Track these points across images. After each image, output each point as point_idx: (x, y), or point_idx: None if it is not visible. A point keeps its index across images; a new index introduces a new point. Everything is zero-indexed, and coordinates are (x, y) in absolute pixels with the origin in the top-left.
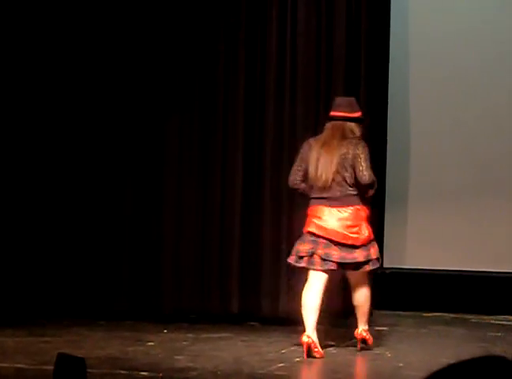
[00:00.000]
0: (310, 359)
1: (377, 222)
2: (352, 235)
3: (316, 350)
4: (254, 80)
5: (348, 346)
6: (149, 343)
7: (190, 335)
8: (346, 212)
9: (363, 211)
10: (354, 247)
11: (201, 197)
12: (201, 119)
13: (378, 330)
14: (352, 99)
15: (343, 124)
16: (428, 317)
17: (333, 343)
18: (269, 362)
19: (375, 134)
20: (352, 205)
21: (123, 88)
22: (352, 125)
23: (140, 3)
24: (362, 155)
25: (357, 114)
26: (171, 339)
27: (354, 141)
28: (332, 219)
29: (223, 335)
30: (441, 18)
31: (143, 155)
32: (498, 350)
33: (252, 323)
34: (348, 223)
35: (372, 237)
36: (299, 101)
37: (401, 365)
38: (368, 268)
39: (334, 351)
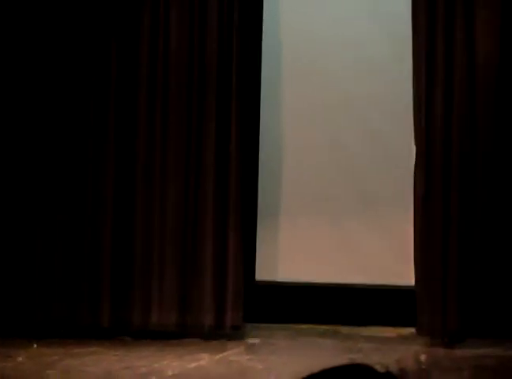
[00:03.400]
0: (181, 373)
1: (249, 234)
2: None
3: None
4: (125, 89)
5: (220, 358)
6: (19, 359)
7: (60, 349)
8: None
9: None
10: None
11: (72, 203)
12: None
13: (251, 343)
14: None
15: None
16: (300, 329)
17: (205, 356)
18: (142, 376)
19: (247, 145)
20: None
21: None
22: None
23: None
24: None
25: None
26: (41, 354)
27: None
28: None
29: (94, 349)
30: (313, 25)
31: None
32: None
33: (123, 337)
34: None
35: None
36: (172, 116)
37: (273, 377)
38: None
39: (207, 364)
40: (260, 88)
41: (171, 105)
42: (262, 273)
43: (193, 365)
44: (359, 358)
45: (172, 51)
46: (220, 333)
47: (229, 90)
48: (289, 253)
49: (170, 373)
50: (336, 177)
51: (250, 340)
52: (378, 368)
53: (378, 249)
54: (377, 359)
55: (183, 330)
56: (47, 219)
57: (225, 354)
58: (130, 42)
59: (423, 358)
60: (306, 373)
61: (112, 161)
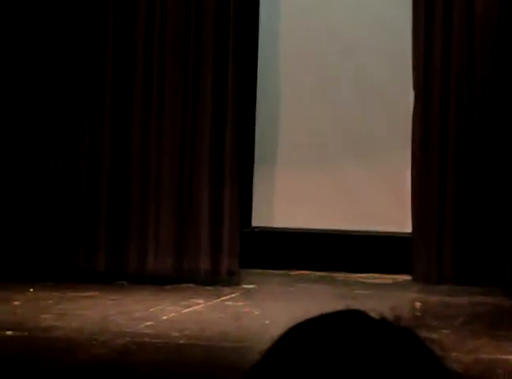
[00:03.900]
0: (176, 317)
1: (246, 181)
2: None
3: None
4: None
5: (216, 304)
6: (15, 303)
7: (55, 293)
8: None
9: None
10: None
11: (67, 147)
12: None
13: (246, 288)
14: None
15: None
16: (296, 275)
17: (201, 302)
18: (137, 320)
19: (244, 96)
20: None
21: None
22: None
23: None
24: None
25: None
26: (37, 298)
27: None
28: None
29: (90, 293)
30: None
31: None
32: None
33: (119, 282)
34: None
35: None
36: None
37: (268, 322)
38: None
39: (202, 309)
40: (258, 35)
41: (168, 53)
42: (259, 220)
43: (188, 310)
44: (354, 304)
45: (170, 9)
46: (215, 279)
47: (227, 34)
48: (285, 200)
49: (165, 317)
50: (332, 125)
51: (246, 286)
52: (373, 314)
53: (376, 196)
54: (372, 306)
55: (179, 275)
56: (44, 165)
57: (221, 299)
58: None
59: (417, 305)
60: (301, 319)
61: (108, 109)
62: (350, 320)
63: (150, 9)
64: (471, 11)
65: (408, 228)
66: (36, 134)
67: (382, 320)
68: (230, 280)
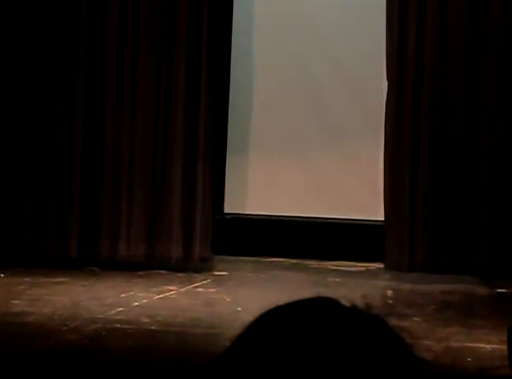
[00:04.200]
0: (147, 303)
1: (218, 168)
2: None
3: None
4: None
5: (188, 290)
6: None
7: (27, 279)
8: None
9: None
10: None
11: (39, 133)
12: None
13: (218, 275)
14: None
15: None
16: (268, 262)
17: (173, 288)
18: (108, 306)
19: (217, 83)
20: None
21: None
22: None
23: None
24: None
25: None
26: (8, 284)
27: None
28: None
29: (61, 279)
30: None
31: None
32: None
33: (91, 267)
34: None
35: None
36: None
37: (240, 309)
38: None
39: (174, 296)
40: (231, 23)
41: (142, 41)
42: (231, 206)
43: (159, 296)
44: (326, 291)
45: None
46: (187, 265)
47: (200, 23)
48: (258, 187)
49: (136, 303)
50: (306, 113)
51: (218, 273)
52: (344, 302)
53: (348, 184)
54: (344, 293)
55: (151, 262)
56: (16, 151)
57: (192, 286)
58: None
59: (389, 292)
60: (272, 305)
61: (81, 95)
62: (320, 307)
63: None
64: (445, 2)
65: (380, 216)
66: (9, 120)
67: (353, 308)
68: (202, 267)
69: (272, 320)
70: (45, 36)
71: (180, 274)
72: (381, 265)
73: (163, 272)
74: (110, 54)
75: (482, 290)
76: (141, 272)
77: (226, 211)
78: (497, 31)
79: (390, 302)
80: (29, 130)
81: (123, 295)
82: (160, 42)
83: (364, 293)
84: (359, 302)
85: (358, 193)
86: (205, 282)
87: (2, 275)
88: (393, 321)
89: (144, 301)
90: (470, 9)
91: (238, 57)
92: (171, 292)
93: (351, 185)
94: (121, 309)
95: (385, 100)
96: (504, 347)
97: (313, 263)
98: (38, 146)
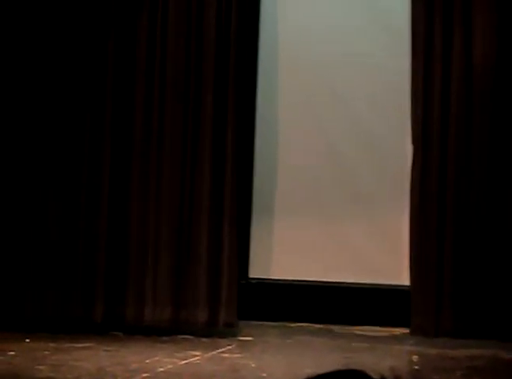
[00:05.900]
0: (172, 369)
1: (243, 232)
2: None
3: None
4: (122, 88)
5: (213, 356)
6: (10, 353)
7: (51, 344)
8: None
9: None
10: None
11: (66, 194)
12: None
13: (243, 340)
14: None
15: None
16: (293, 327)
17: (198, 353)
18: (133, 372)
19: (243, 147)
20: None
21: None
22: None
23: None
24: None
25: None
26: (33, 349)
27: None
28: None
29: (85, 344)
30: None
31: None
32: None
33: (115, 332)
34: None
35: None
36: (169, 107)
37: (265, 375)
38: None
39: (199, 361)
40: (256, 85)
41: (168, 97)
42: (256, 271)
43: (184, 362)
44: (352, 356)
45: (170, 39)
46: (213, 330)
47: (226, 87)
48: (283, 252)
49: (161, 369)
50: (330, 178)
51: (243, 338)
52: (373, 374)
53: (372, 249)
54: (369, 358)
55: (176, 326)
56: (40, 210)
57: (217, 351)
58: (129, 37)
59: (415, 358)
60: (300, 374)
61: (108, 154)
62: None
63: (150, 44)
64: (469, 61)
65: (404, 280)
66: (35, 185)
67: None
68: (227, 332)
69: None
70: (73, 92)
71: (205, 339)
72: (406, 330)
73: (189, 337)
74: (137, 98)
75: (508, 355)
76: (165, 337)
77: (251, 275)
78: None
79: (417, 367)
80: (55, 196)
81: (148, 361)
82: (186, 104)
83: (391, 365)
84: (387, 373)
85: (382, 257)
86: (230, 347)
87: (27, 340)
88: None
89: (170, 366)
90: (494, 66)
91: (263, 121)
92: (196, 357)
93: (375, 250)
94: (146, 374)
95: (409, 164)
96: None
97: (338, 328)
98: (63, 208)
